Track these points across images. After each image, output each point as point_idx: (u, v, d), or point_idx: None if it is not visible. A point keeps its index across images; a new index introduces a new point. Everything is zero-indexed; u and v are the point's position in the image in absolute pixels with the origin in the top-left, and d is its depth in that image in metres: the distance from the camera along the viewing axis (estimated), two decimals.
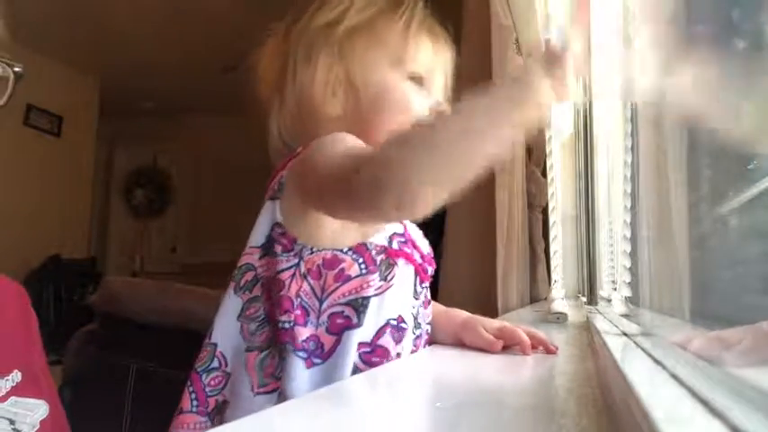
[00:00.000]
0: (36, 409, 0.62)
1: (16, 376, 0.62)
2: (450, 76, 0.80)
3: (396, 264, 0.67)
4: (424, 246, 0.76)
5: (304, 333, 0.62)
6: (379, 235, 0.67)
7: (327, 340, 0.62)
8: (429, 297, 0.76)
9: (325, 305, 0.63)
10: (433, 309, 0.83)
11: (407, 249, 0.70)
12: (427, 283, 0.75)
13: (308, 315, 0.63)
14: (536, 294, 1.70)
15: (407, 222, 0.73)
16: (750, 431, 0.22)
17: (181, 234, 6.42)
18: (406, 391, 0.52)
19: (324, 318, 0.63)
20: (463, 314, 0.83)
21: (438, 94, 0.77)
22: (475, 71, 1.46)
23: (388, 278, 0.66)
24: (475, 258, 1.45)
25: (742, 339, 0.40)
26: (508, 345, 0.71)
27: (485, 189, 1.42)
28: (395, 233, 0.69)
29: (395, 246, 0.68)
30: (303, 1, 0.79)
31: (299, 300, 0.63)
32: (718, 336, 0.46)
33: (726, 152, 0.62)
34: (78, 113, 5.23)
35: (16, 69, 0.58)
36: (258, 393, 0.61)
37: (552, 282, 1.39)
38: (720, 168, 0.64)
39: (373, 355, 0.63)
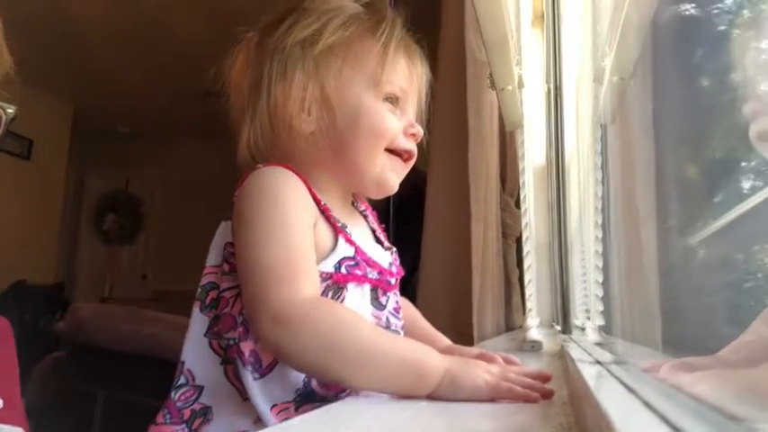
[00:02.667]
0: None
1: None
2: (424, 95, 0.80)
3: (345, 288, 0.67)
4: (383, 259, 0.75)
5: (247, 348, 0.63)
6: (326, 262, 0.67)
7: (266, 356, 0.63)
8: (399, 303, 0.77)
9: None
10: (420, 326, 0.85)
11: (358, 272, 0.69)
12: (393, 292, 0.75)
13: (248, 331, 0.63)
14: (511, 323, 1.71)
15: (359, 243, 0.72)
16: None
17: (151, 260, 6.31)
18: (379, 416, 0.52)
19: None
20: (446, 341, 0.84)
21: (412, 113, 0.77)
22: (449, 104, 1.49)
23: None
24: (450, 287, 1.46)
25: (709, 366, 0.41)
26: None
27: (460, 219, 1.44)
28: (345, 257, 0.68)
29: (343, 271, 0.67)
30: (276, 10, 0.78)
31: (241, 318, 0.64)
32: (686, 362, 0.47)
33: (693, 185, 0.64)
34: (49, 137, 5.16)
35: (9, 111, 0.58)
36: (245, 399, 0.63)
37: (527, 310, 1.40)
38: (688, 201, 0.66)
39: None
